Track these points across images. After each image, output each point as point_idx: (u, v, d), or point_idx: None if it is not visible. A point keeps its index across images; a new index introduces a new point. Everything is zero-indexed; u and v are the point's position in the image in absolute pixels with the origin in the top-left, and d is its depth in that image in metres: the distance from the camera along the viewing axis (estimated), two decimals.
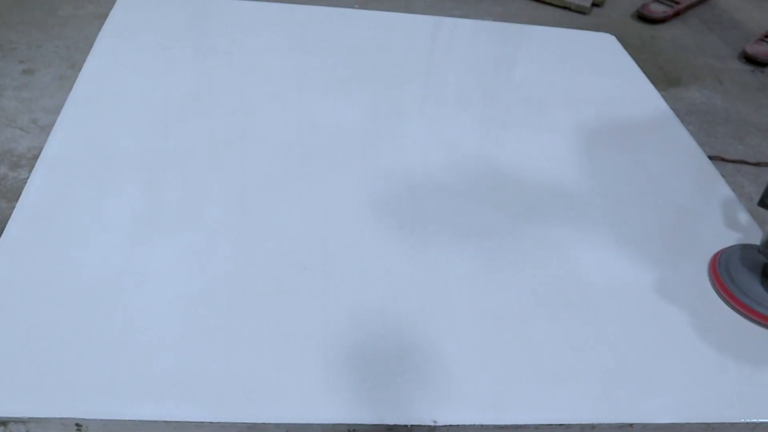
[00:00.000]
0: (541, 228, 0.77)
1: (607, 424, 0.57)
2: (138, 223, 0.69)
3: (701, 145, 0.91)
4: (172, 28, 1.06)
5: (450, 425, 0.55)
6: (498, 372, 0.60)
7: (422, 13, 1.25)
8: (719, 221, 0.82)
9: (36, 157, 0.76)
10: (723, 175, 0.92)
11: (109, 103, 0.86)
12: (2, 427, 0.52)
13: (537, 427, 0.56)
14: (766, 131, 2.17)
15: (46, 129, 1.83)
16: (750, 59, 2.63)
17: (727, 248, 0.75)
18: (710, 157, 0.95)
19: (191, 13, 1.13)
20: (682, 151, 0.95)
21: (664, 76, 2.49)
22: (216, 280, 0.64)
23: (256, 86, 0.94)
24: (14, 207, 0.69)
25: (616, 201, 0.82)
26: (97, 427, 0.52)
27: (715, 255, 0.74)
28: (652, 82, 1.12)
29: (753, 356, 0.65)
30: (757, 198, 0.76)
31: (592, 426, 0.57)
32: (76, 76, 0.91)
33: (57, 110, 0.84)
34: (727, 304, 0.70)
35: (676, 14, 2.98)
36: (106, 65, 0.94)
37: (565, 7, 2.93)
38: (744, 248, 0.74)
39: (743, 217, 0.84)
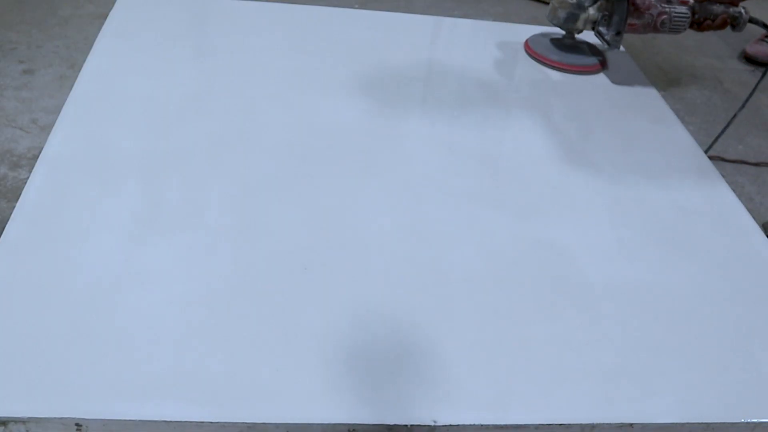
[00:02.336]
0: (541, 228, 0.77)
1: (607, 424, 0.57)
2: (138, 223, 0.69)
3: (701, 145, 0.91)
4: (172, 28, 1.06)
5: (450, 425, 0.55)
6: (498, 372, 0.60)
7: (422, 13, 1.25)
8: (719, 221, 0.82)
9: (36, 157, 0.76)
10: (723, 175, 0.92)
11: (109, 103, 0.86)
12: (2, 427, 0.52)
13: (537, 427, 0.56)
14: (766, 131, 2.17)
15: (46, 129, 1.83)
16: (750, 59, 2.63)
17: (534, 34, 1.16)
18: (710, 157, 0.95)
19: (191, 13, 1.13)
20: (682, 151, 0.95)
21: (664, 76, 2.49)
22: (216, 280, 0.64)
23: (256, 86, 0.94)
24: (14, 207, 0.69)
25: (616, 201, 0.82)
26: (97, 427, 0.52)
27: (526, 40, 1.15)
28: (652, 82, 1.12)
29: (753, 357, 0.65)
30: (758, 198, 0.78)
31: (592, 426, 0.57)
32: (76, 76, 0.91)
33: (57, 110, 0.84)
34: (540, 63, 1.10)
35: None
36: (106, 65, 0.94)
37: None
38: (545, 34, 1.17)
39: (743, 216, 0.84)
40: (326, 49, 1.06)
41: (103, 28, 1.03)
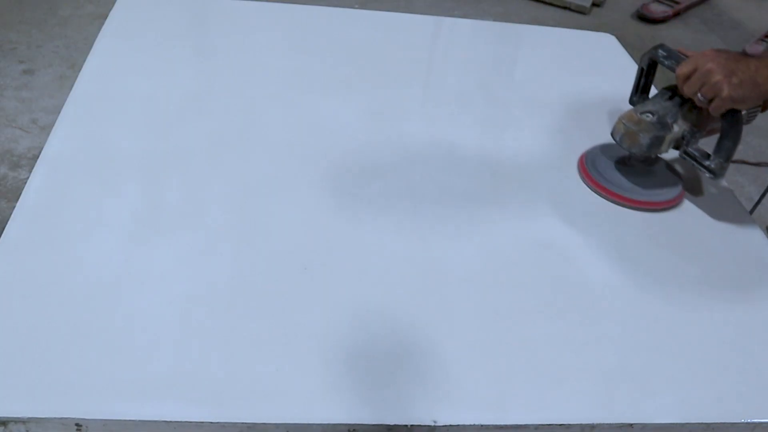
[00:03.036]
0: (541, 228, 0.77)
1: (607, 424, 0.57)
2: (138, 223, 0.69)
3: (701, 145, 0.91)
4: (172, 28, 1.06)
5: (450, 425, 0.55)
6: (498, 372, 0.60)
7: (422, 13, 1.25)
8: (719, 221, 0.82)
9: (36, 157, 0.76)
10: None
11: (109, 103, 0.86)
12: (2, 427, 0.52)
13: (537, 427, 0.56)
14: (766, 131, 2.17)
15: (46, 129, 1.83)
16: None
17: (591, 148, 0.88)
18: None
19: (191, 13, 1.13)
20: None
21: (664, 76, 2.49)
22: (216, 280, 0.64)
23: (256, 86, 0.94)
24: (14, 207, 0.69)
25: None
26: (97, 427, 0.52)
27: (582, 155, 0.88)
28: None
29: (753, 357, 0.65)
30: (757, 198, 0.78)
31: (592, 426, 0.57)
32: (76, 76, 0.91)
33: (57, 110, 0.84)
34: (593, 191, 0.82)
35: (676, 14, 2.98)
36: (106, 65, 0.94)
37: (565, 7, 2.93)
38: (604, 146, 0.88)
39: (743, 216, 0.84)
40: (326, 49, 1.06)
41: (103, 28, 1.03)
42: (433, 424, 0.55)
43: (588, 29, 1.28)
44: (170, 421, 0.52)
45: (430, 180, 0.81)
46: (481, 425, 0.55)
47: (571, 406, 0.58)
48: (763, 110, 0.85)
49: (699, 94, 0.75)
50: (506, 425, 0.56)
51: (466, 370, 0.59)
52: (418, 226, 0.74)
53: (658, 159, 0.85)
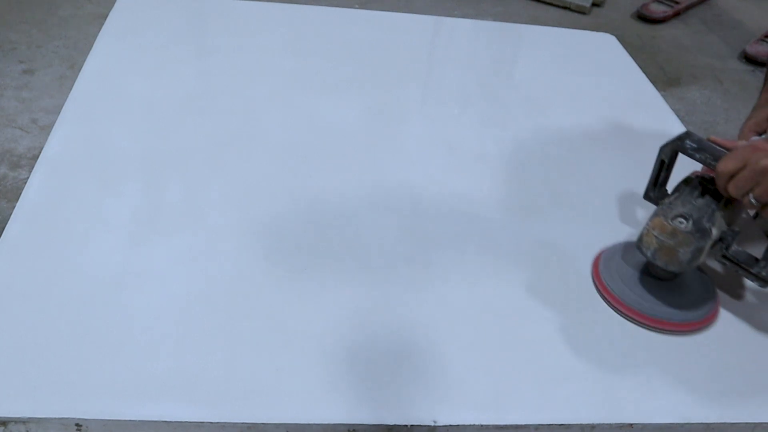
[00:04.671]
0: (541, 228, 0.77)
1: (607, 424, 0.57)
2: (138, 223, 0.69)
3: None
4: (172, 28, 1.06)
5: (450, 425, 0.55)
6: (498, 372, 0.60)
7: (422, 13, 1.25)
8: None
9: (36, 157, 0.76)
10: None
11: (109, 103, 0.86)
12: (2, 427, 0.52)
13: (537, 427, 0.56)
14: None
15: (46, 129, 1.83)
16: (750, 59, 2.63)
17: (610, 246, 0.73)
18: None
19: (191, 13, 1.13)
20: None
21: (664, 76, 2.49)
22: (216, 280, 0.64)
23: (256, 86, 0.94)
24: (14, 207, 0.69)
25: (616, 201, 0.82)
26: (97, 427, 0.52)
27: (598, 254, 0.73)
28: (652, 82, 1.12)
29: (753, 357, 0.65)
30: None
31: (592, 426, 0.57)
32: (76, 76, 0.91)
33: (57, 110, 0.84)
34: (608, 305, 0.68)
35: (676, 14, 2.98)
36: (106, 65, 0.94)
37: (565, 7, 2.93)
38: (626, 246, 0.73)
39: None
40: (326, 49, 1.06)
41: (103, 28, 1.03)
42: (433, 424, 0.55)
43: (588, 29, 1.28)
44: (170, 421, 0.52)
45: (429, 179, 0.81)
46: (481, 425, 0.55)
47: (571, 406, 0.58)
48: None
49: (751, 197, 0.62)
50: (506, 425, 0.56)
51: (466, 370, 0.59)
52: (418, 226, 0.74)
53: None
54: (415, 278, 0.68)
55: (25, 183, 0.72)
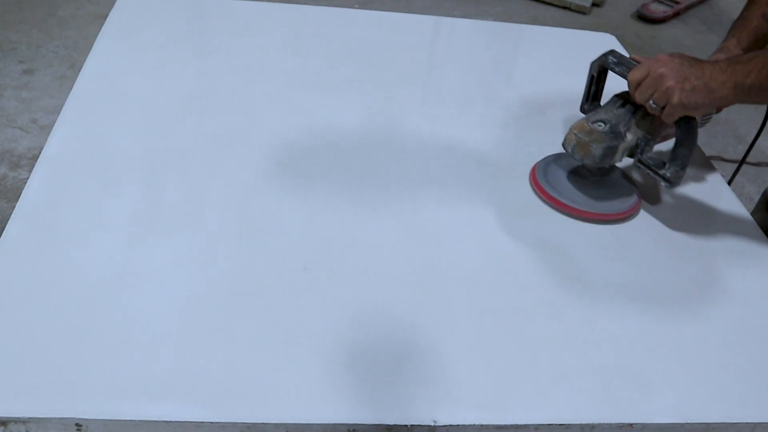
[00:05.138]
0: (541, 228, 0.77)
1: (607, 424, 0.57)
2: (138, 223, 0.69)
3: (701, 145, 0.91)
4: (172, 28, 1.06)
5: (450, 425, 0.55)
6: (498, 372, 0.60)
7: (422, 13, 1.25)
8: (719, 221, 0.82)
9: (36, 157, 0.76)
10: (723, 175, 0.92)
11: (109, 103, 0.86)
12: (2, 427, 0.52)
13: (537, 427, 0.56)
14: (766, 131, 2.17)
15: (46, 129, 1.83)
16: None
17: (545, 157, 0.86)
18: (710, 157, 0.95)
19: (191, 13, 1.13)
20: None
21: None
22: (216, 280, 0.64)
23: (256, 86, 0.94)
24: (14, 207, 0.69)
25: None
26: (97, 427, 0.52)
27: (535, 164, 0.85)
28: None
29: (753, 357, 0.65)
30: (758, 198, 0.76)
31: (592, 426, 0.57)
32: (76, 76, 0.91)
33: (57, 110, 0.84)
34: (544, 203, 0.80)
35: (676, 14, 2.98)
36: (106, 65, 0.94)
37: (565, 7, 2.93)
38: (557, 156, 0.85)
39: (743, 216, 0.84)
40: (326, 49, 1.06)
41: (103, 28, 1.03)
42: (433, 424, 0.55)
43: (588, 29, 1.28)
44: (170, 421, 0.52)
45: (430, 180, 0.81)
46: (481, 425, 0.55)
47: (571, 406, 0.58)
48: (717, 111, 0.84)
49: (651, 101, 0.72)
50: (506, 425, 0.56)
51: (466, 370, 0.59)
52: (417, 226, 0.74)
53: (613, 168, 0.82)
54: (416, 278, 0.68)
55: (25, 183, 0.72)
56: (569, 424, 0.56)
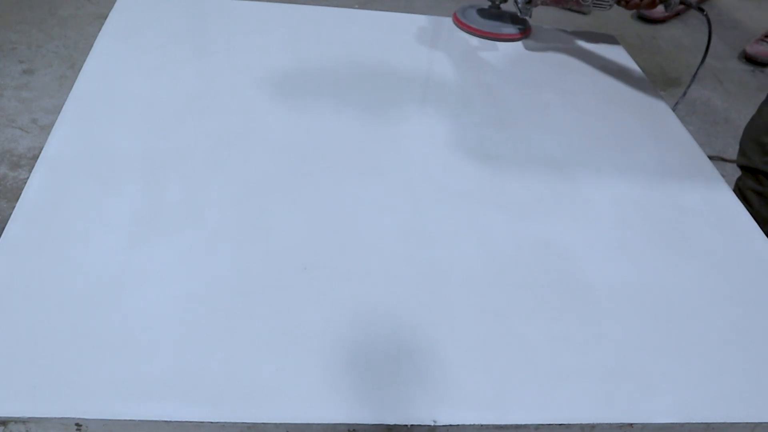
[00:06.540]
0: (541, 228, 0.77)
1: (607, 424, 0.57)
2: (138, 223, 0.69)
3: (701, 145, 0.91)
4: (172, 28, 1.06)
5: (450, 425, 0.55)
6: (498, 372, 0.60)
7: (422, 13, 1.25)
8: (719, 221, 0.82)
9: (36, 157, 0.76)
10: (723, 175, 0.92)
11: (109, 103, 0.86)
12: (2, 427, 0.52)
13: (537, 427, 0.56)
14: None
15: (46, 129, 1.83)
16: (750, 59, 2.63)
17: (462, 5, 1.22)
18: (710, 157, 0.95)
19: (191, 13, 1.13)
20: (682, 151, 0.95)
21: (664, 76, 2.49)
22: (216, 280, 0.64)
23: (256, 86, 0.94)
24: (14, 207, 0.69)
25: (616, 201, 0.82)
26: (97, 427, 0.52)
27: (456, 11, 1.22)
28: (652, 82, 1.12)
29: (753, 357, 0.65)
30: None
31: (592, 426, 0.57)
32: (76, 76, 0.91)
33: (57, 110, 0.84)
34: (465, 32, 1.18)
35: (676, 14, 2.98)
36: (106, 65, 0.94)
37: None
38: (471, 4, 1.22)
39: (743, 216, 0.84)
40: (326, 49, 1.06)
41: (103, 28, 1.03)
42: (433, 424, 0.55)
43: (588, 29, 1.28)
44: (170, 421, 0.52)
45: (430, 180, 0.81)
46: (481, 425, 0.55)
47: (571, 405, 0.58)
48: (627, 4, 1.07)
49: None
50: (506, 425, 0.56)
51: (466, 370, 0.59)
52: (418, 226, 0.74)
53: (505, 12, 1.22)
54: (416, 278, 0.68)
55: (25, 183, 0.72)
56: (569, 424, 0.56)
